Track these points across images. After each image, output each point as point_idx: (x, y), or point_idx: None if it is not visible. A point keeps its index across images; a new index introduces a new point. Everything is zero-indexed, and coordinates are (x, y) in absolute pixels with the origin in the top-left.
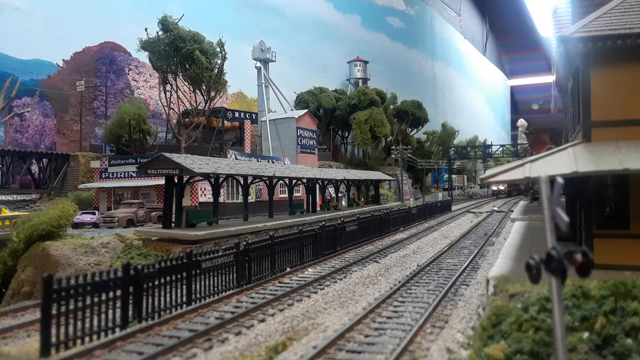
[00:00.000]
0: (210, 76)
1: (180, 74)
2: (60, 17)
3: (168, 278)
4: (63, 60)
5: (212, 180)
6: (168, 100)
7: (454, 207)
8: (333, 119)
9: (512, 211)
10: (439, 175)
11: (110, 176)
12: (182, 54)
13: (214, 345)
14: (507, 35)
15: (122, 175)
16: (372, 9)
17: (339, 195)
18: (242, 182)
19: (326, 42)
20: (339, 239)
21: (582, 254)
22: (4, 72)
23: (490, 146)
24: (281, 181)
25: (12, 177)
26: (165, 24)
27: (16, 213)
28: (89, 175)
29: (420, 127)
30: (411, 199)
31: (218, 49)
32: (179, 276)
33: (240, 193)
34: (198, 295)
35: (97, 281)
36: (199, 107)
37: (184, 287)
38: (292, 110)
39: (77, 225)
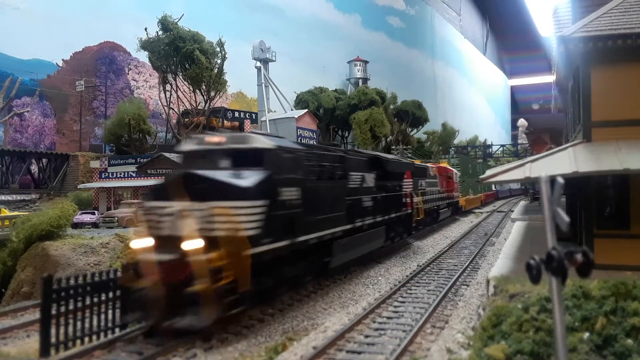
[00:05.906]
0: (210, 76)
1: (180, 73)
2: (60, 17)
3: None
4: (63, 60)
5: None
6: (168, 100)
7: None
8: (333, 118)
9: (513, 211)
10: None
11: (110, 176)
12: (182, 54)
13: (214, 345)
14: (507, 35)
15: (121, 175)
16: (372, 9)
17: None
18: None
19: (326, 42)
20: None
21: (583, 254)
22: (3, 72)
23: (490, 146)
24: None
25: (12, 177)
26: (165, 24)
27: (16, 213)
28: (88, 175)
29: (421, 127)
30: None
31: (218, 49)
32: None
33: None
34: None
35: (97, 281)
36: (199, 107)
37: None
38: (292, 110)
39: (76, 225)
